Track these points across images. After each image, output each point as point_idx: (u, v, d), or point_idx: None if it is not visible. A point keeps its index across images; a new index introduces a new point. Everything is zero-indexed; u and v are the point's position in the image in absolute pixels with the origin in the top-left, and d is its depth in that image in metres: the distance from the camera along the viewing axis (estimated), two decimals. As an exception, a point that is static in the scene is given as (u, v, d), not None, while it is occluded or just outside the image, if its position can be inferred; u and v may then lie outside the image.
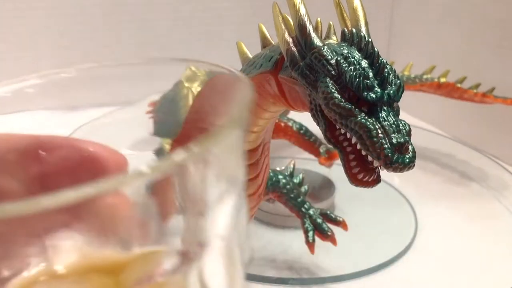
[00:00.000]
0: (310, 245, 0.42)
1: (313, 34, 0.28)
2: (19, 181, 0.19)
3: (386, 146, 0.25)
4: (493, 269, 0.46)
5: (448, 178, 0.62)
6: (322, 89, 0.26)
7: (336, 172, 0.56)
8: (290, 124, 0.57)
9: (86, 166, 0.19)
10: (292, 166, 0.46)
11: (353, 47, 0.27)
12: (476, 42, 0.67)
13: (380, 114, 0.26)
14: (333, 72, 0.26)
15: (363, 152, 0.26)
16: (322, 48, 0.27)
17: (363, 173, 0.27)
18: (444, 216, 0.54)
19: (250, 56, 0.34)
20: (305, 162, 0.59)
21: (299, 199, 0.43)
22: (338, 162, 0.51)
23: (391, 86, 0.26)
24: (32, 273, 0.17)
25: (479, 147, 0.66)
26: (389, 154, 0.25)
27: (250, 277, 0.43)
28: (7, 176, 0.19)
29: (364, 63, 0.26)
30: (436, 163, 0.64)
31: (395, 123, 0.26)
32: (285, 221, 0.49)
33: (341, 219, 0.44)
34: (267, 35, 0.32)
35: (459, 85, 0.60)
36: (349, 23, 0.29)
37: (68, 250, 0.17)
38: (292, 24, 0.28)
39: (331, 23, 0.30)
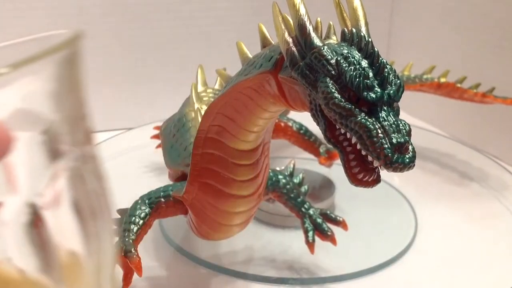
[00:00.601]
0: (310, 245, 0.42)
1: (313, 34, 0.27)
2: None
3: (386, 146, 0.25)
4: (493, 269, 0.46)
5: (448, 178, 0.62)
6: (322, 89, 0.26)
7: (336, 172, 0.56)
8: (290, 124, 0.57)
9: None
10: (292, 166, 0.46)
11: (353, 47, 0.27)
12: (476, 42, 0.67)
13: (380, 114, 0.26)
14: (333, 72, 0.26)
15: (363, 152, 0.26)
16: (322, 48, 0.27)
17: (363, 173, 0.27)
18: (444, 216, 0.54)
19: (250, 56, 0.34)
20: (305, 162, 0.59)
21: (299, 199, 0.43)
22: (338, 162, 0.51)
23: (391, 86, 0.26)
24: None
25: (479, 147, 0.66)
26: (389, 154, 0.25)
27: (250, 277, 0.43)
28: None
29: (364, 63, 0.26)
30: (436, 163, 0.64)
31: (395, 123, 0.26)
32: (285, 221, 0.49)
33: (341, 219, 0.44)
34: (267, 35, 0.32)
35: (459, 85, 0.60)
36: (349, 23, 0.29)
37: None
38: (292, 24, 0.28)
39: (331, 23, 0.30)
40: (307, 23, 0.28)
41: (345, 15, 0.29)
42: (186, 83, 0.51)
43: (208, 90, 0.49)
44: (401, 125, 0.26)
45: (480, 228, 0.52)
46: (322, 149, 0.56)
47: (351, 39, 0.28)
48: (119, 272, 0.36)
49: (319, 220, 0.43)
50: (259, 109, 0.32)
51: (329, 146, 0.48)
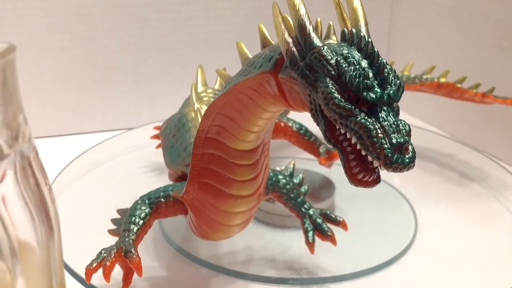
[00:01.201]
0: (310, 245, 0.42)
1: (313, 34, 0.27)
2: None
3: (386, 146, 0.25)
4: (493, 269, 0.46)
5: (448, 178, 0.62)
6: (322, 89, 0.26)
7: (336, 172, 0.56)
8: (290, 124, 0.57)
9: None
10: (292, 166, 0.46)
11: (353, 47, 0.27)
12: (476, 42, 0.67)
13: (380, 114, 0.26)
14: (333, 72, 0.26)
15: (363, 152, 0.26)
16: (322, 48, 0.27)
17: (363, 173, 0.27)
18: (444, 216, 0.54)
19: (250, 56, 0.34)
20: (305, 162, 0.59)
21: (299, 199, 0.43)
22: (338, 162, 0.51)
23: (391, 86, 0.26)
24: None
25: (479, 147, 0.66)
26: (389, 154, 0.25)
27: (250, 277, 0.43)
28: None
29: (364, 63, 0.26)
30: (436, 163, 0.64)
31: (395, 123, 0.26)
32: (285, 221, 0.49)
33: (341, 219, 0.44)
34: (267, 35, 0.32)
35: (459, 85, 0.60)
36: (349, 23, 0.29)
37: None
38: (292, 24, 0.28)
39: (331, 23, 0.30)
40: (307, 23, 0.28)
41: (345, 15, 0.29)
42: (186, 83, 0.51)
43: (208, 90, 0.49)
44: (401, 125, 0.26)
45: (480, 228, 0.52)
46: (322, 149, 0.56)
47: (351, 39, 0.28)
48: (119, 272, 0.36)
49: (319, 220, 0.43)
50: (259, 109, 0.32)
51: (329, 146, 0.48)
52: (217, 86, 0.50)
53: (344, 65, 0.26)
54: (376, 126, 0.25)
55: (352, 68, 0.26)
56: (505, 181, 0.58)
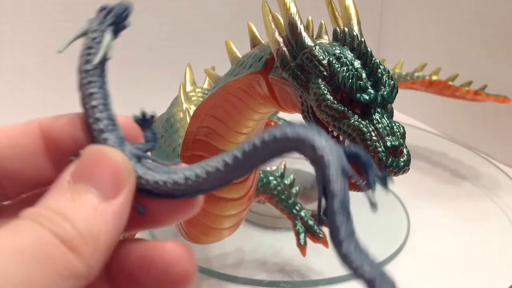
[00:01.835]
0: (302, 247, 0.42)
1: (304, 34, 0.27)
2: None
3: (380, 149, 0.24)
4: (486, 269, 0.45)
5: (440, 177, 0.61)
6: (313, 91, 0.26)
7: (328, 171, 0.55)
8: (280, 123, 0.56)
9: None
10: (283, 166, 0.45)
11: (345, 47, 0.26)
12: (468, 40, 0.66)
13: (373, 116, 0.25)
14: (325, 73, 0.26)
15: (357, 156, 0.25)
16: (314, 48, 0.26)
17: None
18: (436, 215, 0.53)
19: (239, 55, 0.33)
20: (296, 162, 0.58)
21: (290, 201, 0.43)
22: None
23: (384, 87, 0.26)
24: None
25: (471, 145, 0.66)
26: (383, 158, 0.24)
27: (241, 281, 0.42)
28: None
29: (357, 64, 0.26)
30: (428, 162, 0.64)
31: (389, 125, 0.25)
32: (276, 222, 0.48)
33: (333, 220, 0.43)
34: (257, 34, 0.32)
35: (450, 83, 0.60)
36: (341, 22, 0.28)
37: None
38: (283, 23, 0.27)
39: (322, 22, 0.29)
40: (298, 22, 0.27)
41: (336, 13, 0.28)
42: (174, 82, 0.50)
43: (197, 90, 0.48)
44: (395, 127, 0.25)
45: (472, 227, 0.51)
46: (313, 149, 0.55)
47: (344, 38, 0.27)
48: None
49: (310, 222, 0.42)
50: (248, 111, 0.31)
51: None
52: (205, 86, 0.49)
53: (336, 66, 0.26)
54: (370, 129, 0.25)
55: (345, 68, 0.25)
56: (498, 179, 0.58)
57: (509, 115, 0.62)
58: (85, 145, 0.19)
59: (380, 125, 0.25)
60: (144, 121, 0.21)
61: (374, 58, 0.26)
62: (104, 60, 0.21)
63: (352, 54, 0.26)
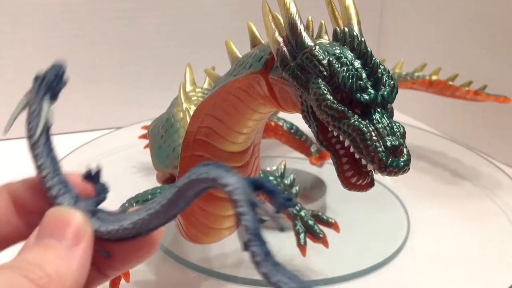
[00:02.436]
0: (302, 247, 0.42)
1: (304, 34, 0.27)
2: None
3: (380, 149, 0.24)
4: (487, 269, 0.45)
5: (440, 177, 0.61)
6: (313, 91, 0.26)
7: (328, 171, 0.55)
8: (280, 123, 0.56)
9: None
10: (283, 166, 0.45)
11: (345, 47, 0.26)
12: (468, 39, 0.66)
13: (373, 116, 0.25)
14: (325, 73, 0.26)
15: (357, 156, 0.25)
16: (314, 48, 0.26)
17: (356, 177, 0.26)
18: (436, 215, 0.53)
19: (239, 55, 0.33)
20: (296, 161, 0.58)
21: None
22: (329, 161, 0.50)
23: (384, 87, 0.26)
24: None
25: (471, 145, 0.66)
26: (383, 158, 0.24)
27: (241, 281, 0.42)
28: None
29: (357, 64, 0.26)
30: (428, 162, 0.64)
31: (389, 125, 0.25)
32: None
33: (333, 221, 0.43)
34: (257, 34, 0.32)
35: (450, 83, 0.60)
36: (341, 22, 0.28)
37: None
38: (283, 23, 0.27)
39: (322, 22, 0.29)
40: (298, 22, 0.27)
41: (336, 13, 0.28)
42: (174, 82, 0.50)
43: (197, 90, 0.48)
44: (395, 127, 0.25)
45: (472, 227, 0.51)
46: (313, 149, 0.55)
47: (344, 38, 0.27)
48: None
49: (310, 222, 0.42)
50: (248, 111, 0.31)
51: (321, 146, 0.48)
52: (205, 86, 0.49)
53: (336, 66, 0.25)
54: (370, 129, 0.25)
55: (345, 68, 0.25)
56: (498, 179, 0.58)
57: (509, 115, 0.62)
58: (49, 205, 0.22)
59: (380, 125, 0.25)
60: (92, 176, 0.23)
61: (374, 58, 0.26)
62: (46, 128, 0.23)
63: (352, 54, 0.26)
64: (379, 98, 0.25)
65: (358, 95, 0.25)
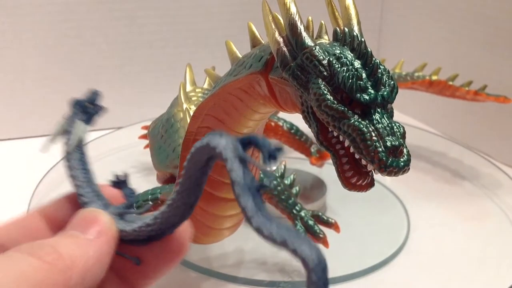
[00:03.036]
0: (302, 247, 0.41)
1: (304, 34, 0.27)
2: None
3: (380, 149, 0.24)
4: (487, 269, 0.45)
5: (440, 177, 0.61)
6: (314, 91, 0.26)
7: (328, 171, 0.55)
8: (280, 123, 0.56)
9: None
10: (283, 166, 0.45)
11: (345, 47, 0.26)
12: (468, 40, 0.66)
13: (373, 116, 0.25)
14: (325, 73, 0.26)
15: (357, 156, 0.25)
16: (314, 48, 0.26)
17: (356, 177, 0.26)
18: (436, 215, 0.53)
19: (240, 55, 0.33)
20: (296, 162, 0.58)
21: (290, 201, 0.43)
22: (329, 161, 0.50)
23: (384, 87, 0.26)
24: None
25: (471, 145, 0.66)
26: (383, 158, 0.24)
27: (241, 281, 0.42)
28: None
29: (357, 64, 0.26)
30: (428, 162, 0.64)
31: (389, 125, 0.25)
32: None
33: (333, 221, 0.43)
34: (257, 34, 0.32)
35: (451, 83, 0.60)
36: (341, 22, 0.28)
37: None
38: (283, 23, 0.27)
39: (322, 22, 0.29)
40: (298, 22, 0.27)
41: (336, 14, 0.28)
42: (175, 82, 0.50)
43: (197, 90, 0.48)
44: (395, 127, 0.25)
45: (473, 228, 0.51)
46: (313, 149, 0.55)
47: (344, 38, 0.27)
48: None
49: (310, 222, 0.42)
50: (249, 111, 0.31)
51: (321, 146, 0.47)
52: (205, 86, 0.49)
53: (336, 66, 0.26)
54: (370, 129, 0.25)
55: (345, 68, 0.25)
56: (498, 179, 0.58)
57: (509, 115, 0.62)
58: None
59: (380, 125, 0.25)
60: (120, 182, 0.25)
61: (374, 58, 0.26)
62: (80, 144, 0.26)
63: (352, 54, 0.26)
64: (379, 98, 0.25)
65: (358, 95, 0.25)
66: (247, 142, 0.18)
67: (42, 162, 0.53)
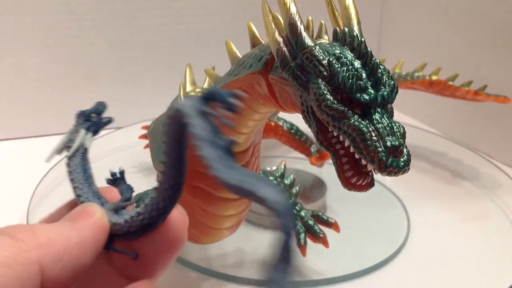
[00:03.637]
0: (302, 247, 0.42)
1: (304, 34, 0.27)
2: None
3: (380, 149, 0.24)
4: (487, 269, 0.45)
5: (440, 177, 0.61)
6: (313, 91, 0.26)
7: (328, 171, 0.55)
8: (280, 123, 0.56)
9: None
10: (283, 166, 0.45)
11: (345, 47, 0.26)
12: (468, 39, 0.66)
13: (373, 116, 0.25)
14: (325, 73, 0.26)
15: (357, 156, 0.25)
16: (314, 48, 0.26)
17: (356, 177, 0.26)
18: (436, 215, 0.53)
19: (240, 55, 0.33)
20: (296, 161, 0.58)
21: (290, 201, 0.43)
22: (329, 161, 0.50)
23: (384, 87, 0.26)
24: None
25: (471, 145, 0.66)
26: (383, 158, 0.24)
27: (241, 281, 0.42)
28: None
29: (357, 64, 0.26)
30: (428, 162, 0.64)
31: (389, 125, 0.25)
32: (276, 222, 0.48)
33: (333, 221, 0.43)
34: (257, 34, 0.32)
35: (451, 83, 0.60)
36: (341, 22, 0.28)
37: None
38: (283, 23, 0.27)
39: (322, 22, 0.29)
40: (298, 22, 0.27)
41: (336, 13, 0.28)
42: (174, 82, 0.50)
43: (197, 90, 0.48)
44: (395, 127, 0.25)
45: (473, 227, 0.51)
46: (313, 149, 0.55)
47: (343, 38, 0.27)
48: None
49: (310, 222, 0.42)
50: (248, 111, 0.31)
51: (321, 146, 0.48)
52: (205, 86, 0.49)
53: (336, 66, 0.25)
54: (370, 129, 0.25)
55: (345, 68, 0.25)
56: (498, 179, 0.58)
57: (509, 115, 0.62)
58: None
59: (380, 125, 0.25)
60: (116, 180, 0.26)
61: (374, 58, 0.26)
62: (82, 150, 0.27)
63: (352, 54, 0.26)
64: (379, 98, 0.25)
65: (358, 95, 0.25)
66: (210, 97, 0.18)
67: (42, 162, 0.53)
